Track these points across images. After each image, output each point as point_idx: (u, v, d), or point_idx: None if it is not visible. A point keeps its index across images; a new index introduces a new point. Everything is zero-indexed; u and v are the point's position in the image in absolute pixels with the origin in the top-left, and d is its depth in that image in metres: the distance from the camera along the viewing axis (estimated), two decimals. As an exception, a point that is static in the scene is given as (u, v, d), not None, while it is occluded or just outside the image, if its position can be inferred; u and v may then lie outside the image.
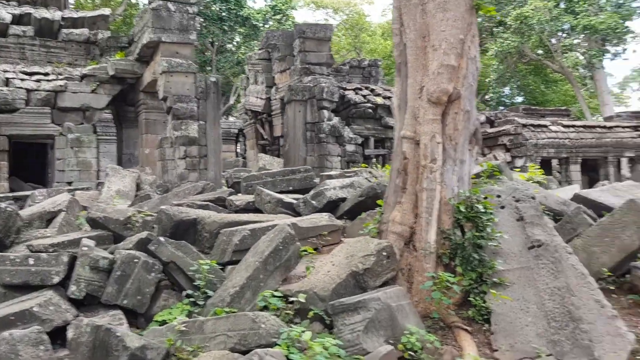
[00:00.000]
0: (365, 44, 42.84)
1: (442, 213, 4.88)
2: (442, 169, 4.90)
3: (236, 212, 7.22)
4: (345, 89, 16.94)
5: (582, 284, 4.53)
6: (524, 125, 17.69)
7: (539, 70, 37.84)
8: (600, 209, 6.06)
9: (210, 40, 30.49)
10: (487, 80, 35.02)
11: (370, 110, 16.97)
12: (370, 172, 9.55)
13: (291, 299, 4.32)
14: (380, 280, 4.54)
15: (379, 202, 5.59)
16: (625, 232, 5.15)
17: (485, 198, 5.26)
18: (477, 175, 5.98)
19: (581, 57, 29.18)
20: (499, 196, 5.33)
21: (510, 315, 4.24)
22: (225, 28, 30.46)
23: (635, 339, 4.30)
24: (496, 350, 4.02)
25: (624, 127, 19.54)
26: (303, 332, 3.72)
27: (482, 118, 18.65)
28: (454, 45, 4.92)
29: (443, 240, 4.82)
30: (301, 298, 4.22)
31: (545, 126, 18.12)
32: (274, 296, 4.31)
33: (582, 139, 18.24)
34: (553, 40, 30.83)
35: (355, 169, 11.27)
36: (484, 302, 4.41)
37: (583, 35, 28.87)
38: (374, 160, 16.08)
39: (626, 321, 4.68)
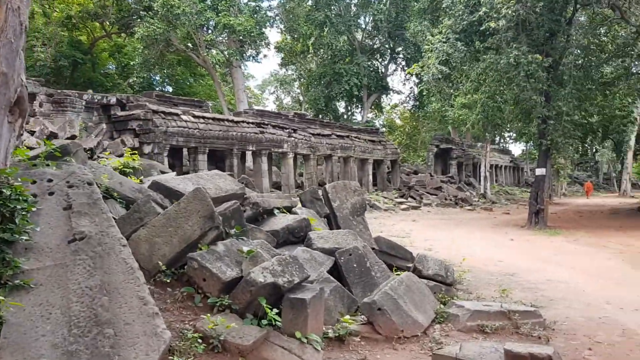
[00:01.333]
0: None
1: (-41, 200, 3.79)
2: (-39, 142, 3.81)
3: None
4: None
5: (129, 279, 4.10)
6: (155, 112, 17.39)
7: (188, 62, 38.71)
8: (178, 198, 5.85)
9: None
10: (132, 63, 34.02)
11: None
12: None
13: None
14: None
15: None
16: (189, 222, 5.00)
17: (34, 182, 4.41)
18: (37, 157, 5.06)
19: (222, 55, 30.81)
20: (50, 180, 4.53)
21: (26, 324, 3.47)
22: None
23: (175, 336, 4.10)
24: (-5, 373, 3.20)
25: (249, 122, 21.23)
26: None
27: (113, 100, 17.61)
28: (-13, -13, 3.88)
29: (-44, 234, 3.74)
30: None
31: (177, 115, 18.21)
32: None
33: (210, 130, 19.01)
34: (199, 34, 31.78)
35: None
36: (-2, 310, 3.53)
37: (224, 33, 30.56)
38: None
39: (176, 315, 4.49)
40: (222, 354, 4.09)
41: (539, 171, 18.97)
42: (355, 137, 28.82)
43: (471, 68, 19.11)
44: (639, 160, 60.23)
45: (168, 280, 4.77)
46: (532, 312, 5.63)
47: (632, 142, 43.09)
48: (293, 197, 10.45)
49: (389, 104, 53.80)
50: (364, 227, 7.99)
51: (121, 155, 16.44)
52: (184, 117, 18.36)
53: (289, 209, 7.52)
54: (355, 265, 6.02)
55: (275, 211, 7.16)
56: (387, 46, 43.18)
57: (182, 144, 18.12)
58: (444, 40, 18.28)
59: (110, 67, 41.54)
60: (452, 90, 24.07)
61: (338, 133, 27.62)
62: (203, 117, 19.22)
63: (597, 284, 8.28)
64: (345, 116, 46.73)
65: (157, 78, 42.66)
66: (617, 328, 5.63)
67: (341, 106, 47.66)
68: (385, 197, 27.60)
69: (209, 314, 4.33)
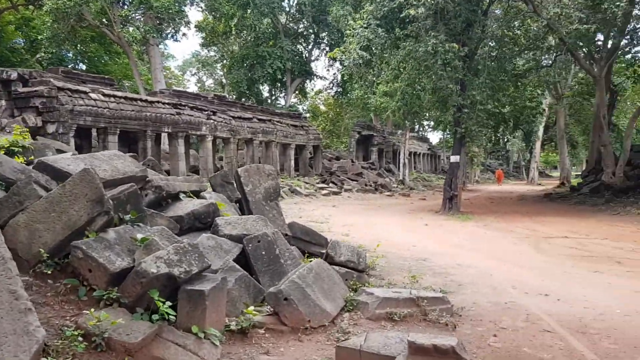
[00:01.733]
0: None
1: None
2: None
3: None
4: None
5: (-2, 271, 3.61)
6: (61, 89, 16.17)
7: (103, 39, 36.62)
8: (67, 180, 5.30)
9: None
10: (40, 38, 31.67)
11: None
12: None
13: None
14: None
15: None
16: (75, 206, 4.51)
17: None
18: None
19: (138, 32, 29.30)
20: None
21: None
22: None
23: (52, 334, 3.66)
24: None
25: (164, 103, 20.30)
26: None
27: (14, 75, 16.17)
28: None
29: None
30: None
31: (85, 92, 17.05)
32: None
33: (122, 110, 17.96)
34: (114, 9, 30.02)
35: None
36: None
37: (141, 9, 29.06)
38: None
39: (56, 310, 4.03)
40: (106, 353, 3.69)
41: (454, 158, 19.50)
42: (278, 122, 28.44)
43: (392, 55, 19.25)
44: (546, 150, 64.00)
45: (49, 272, 4.28)
46: (440, 299, 5.60)
47: (540, 133, 45.59)
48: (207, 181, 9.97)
49: (312, 89, 53.61)
50: (278, 213, 7.72)
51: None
52: (92, 95, 17.22)
53: (197, 194, 7.11)
54: (263, 252, 5.74)
55: (182, 195, 6.73)
56: (311, 31, 42.89)
57: (90, 124, 16.99)
58: (365, 25, 18.24)
59: (19, 41, 38.51)
60: (374, 78, 24.23)
61: (260, 117, 27.11)
62: (114, 96, 18.11)
63: (504, 268, 8.49)
64: (269, 100, 46.07)
65: (70, 55, 40.08)
66: (522, 313, 5.72)
67: (265, 90, 47.01)
68: (307, 183, 27.51)
69: (93, 309, 3.90)
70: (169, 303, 4.08)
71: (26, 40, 37.45)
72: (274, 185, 7.88)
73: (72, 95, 16.47)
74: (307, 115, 58.07)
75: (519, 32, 22.40)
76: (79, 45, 38.17)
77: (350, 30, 19.16)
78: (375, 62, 19.65)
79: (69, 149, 14.25)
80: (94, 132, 18.59)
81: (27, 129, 8.27)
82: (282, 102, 45.96)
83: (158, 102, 20.06)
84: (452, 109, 18.78)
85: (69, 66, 38.69)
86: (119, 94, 18.66)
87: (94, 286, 4.26)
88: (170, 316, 4.03)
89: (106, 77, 21.43)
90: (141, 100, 19.43)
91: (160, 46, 51.66)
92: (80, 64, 41.23)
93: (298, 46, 43.27)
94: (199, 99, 23.59)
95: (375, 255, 9.51)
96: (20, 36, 37.72)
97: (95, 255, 4.24)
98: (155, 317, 4.01)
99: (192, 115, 21.48)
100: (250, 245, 5.76)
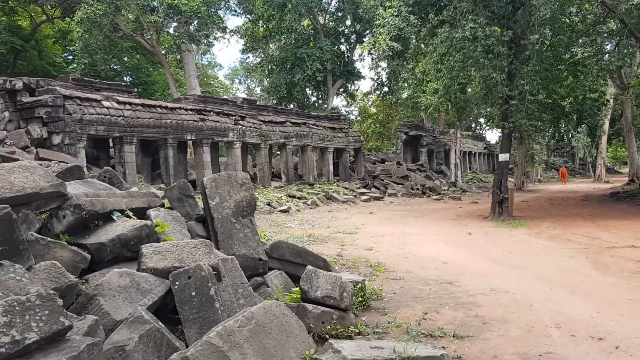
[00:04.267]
0: None
1: None
2: None
3: None
4: None
5: None
6: (69, 97, 15.26)
7: (144, 49, 36.39)
8: None
9: None
10: (71, 48, 31.58)
11: None
12: None
13: None
14: None
15: None
16: None
17: None
18: None
19: (166, 38, 28.57)
20: None
21: None
22: None
23: None
24: None
25: (186, 109, 19.21)
26: None
27: (19, 84, 15.38)
28: None
29: None
30: None
31: (97, 100, 16.12)
32: None
33: (138, 118, 16.94)
34: (146, 17, 29.49)
35: None
36: None
37: (170, 15, 28.33)
38: None
39: None
40: None
41: (502, 157, 17.31)
42: (313, 125, 26.91)
43: (430, 46, 17.38)
44: (614, 145, 59.45)
45: None
46: (437, 359, 3.88)
47: (606, 126, 41.95)
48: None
49: (356, 91, 51.69)
50: (251, 232, 6.17)
51: (24, 147, 14.36)
52: (105, 103, 16.28)
53: (142, 212, 5.67)
54: (193, 293, 4.20)
55: (116, 215, 5.30)
56: (353, 29, 41.20)
57: (103, 133, 16.04)
58: (395, 14, 16.46)
59: (66, 55, 38.84)
60: (422, 76, 22.30)
61: (293, 120, 25.67)
62: (130, 103, 17.11)
63: (550, 294, 6.59)
64: (316, 105, 44.54)
65: (117, 67, 40.09)
66: (562, 377, 3.92)
67: (311, 94, 45.55)
68: (347, 188, 25.87)
69: None
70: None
71: (65, 52, 37.66)
72: (248, 198, 6.33)
73: (82, 103, 15.56)
74: (353, 117, 56.28)
75: (576, 19, 19.96)
76: (126, 57, 38.09)
77: (380, 20, 17.40)
78: (409, 54, 17.78)
79: (74, 160, 13.30)
80: (111, 142, 17.72)
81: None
82: (328, 105, 44.42)
83: (180, 108, 18.98)
84: (498, 101, 16.65)
85: (118, 79, 38.64)
86: (136, 100, 17.66)
87: None
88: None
89: (123, 83, 20.57)
90: (161, 107, 18.37)
91: (206, 55, 51.41)
92: (127, 77, 41.27)
93: (339, 46, 41.65)
94: (227, 104, 22.40)
95: (392, 277, 7.88)
96: (59, 49, 37.98)
97: None
98: None
99: (217, 121, 20.29)
100: (177, 283, 4.24)
